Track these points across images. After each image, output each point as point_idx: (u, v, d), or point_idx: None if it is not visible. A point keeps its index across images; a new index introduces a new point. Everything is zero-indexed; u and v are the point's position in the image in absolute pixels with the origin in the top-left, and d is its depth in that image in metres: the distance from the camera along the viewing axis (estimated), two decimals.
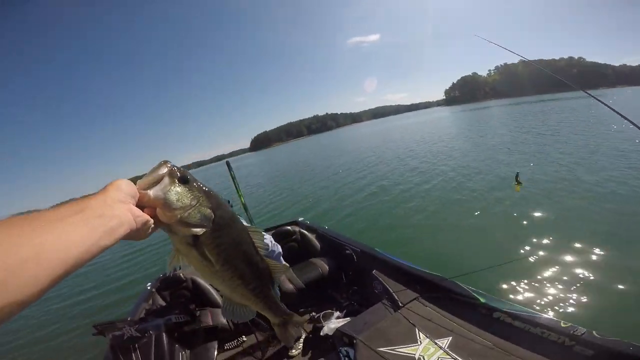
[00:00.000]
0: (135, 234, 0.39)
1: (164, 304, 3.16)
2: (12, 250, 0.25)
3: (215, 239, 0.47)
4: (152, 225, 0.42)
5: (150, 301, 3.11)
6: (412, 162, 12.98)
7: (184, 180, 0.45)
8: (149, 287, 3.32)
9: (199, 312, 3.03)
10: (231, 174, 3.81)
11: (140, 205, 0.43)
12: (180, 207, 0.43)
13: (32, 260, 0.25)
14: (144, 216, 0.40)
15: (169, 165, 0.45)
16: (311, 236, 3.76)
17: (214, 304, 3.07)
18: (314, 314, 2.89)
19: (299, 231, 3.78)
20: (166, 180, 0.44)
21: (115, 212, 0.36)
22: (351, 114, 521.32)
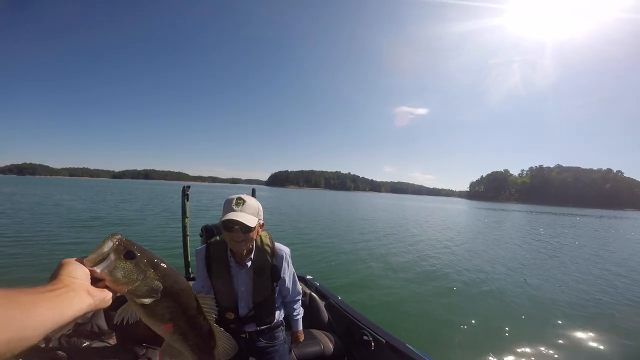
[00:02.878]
0: (96, 308, 0.44)
1: (105, 329, 2.38)
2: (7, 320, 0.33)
3: (162, 304, 0.51)
4: (110, 299, 0.46)
5: (89, 315, 2.32)
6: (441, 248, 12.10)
7: (130, 256, 0.48)
8: None
9: (145, 350, 2.20)
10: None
11: (94, 280, 0.47)
12: (126, 283, 0.47)
13: (24, 324, 0.34)
14: (100, 295, 0.45)
15: (115, 241, 0.48)
16: (321, 303, 3.09)
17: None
18: None
19: (310, 294, 3.11)
20: (112, 256, 0.46)
21: (77, 294, 0.41)
22: (371, 181, 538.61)
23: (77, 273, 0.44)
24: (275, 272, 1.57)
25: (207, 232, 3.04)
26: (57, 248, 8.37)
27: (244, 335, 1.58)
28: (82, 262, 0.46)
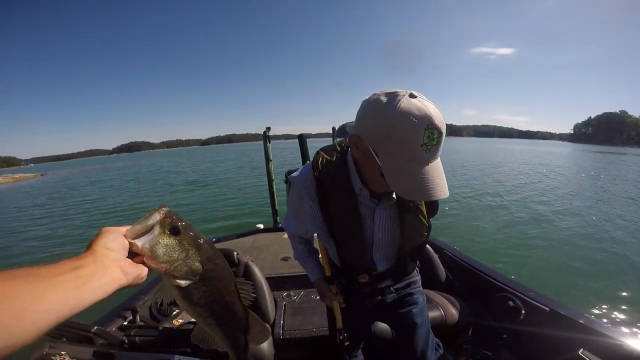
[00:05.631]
0: (128, 286, 0.41)
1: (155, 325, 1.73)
2: (17, 299, 0.30)
3: (201, 286, 0.49)
4: (145, 277, 0.44)
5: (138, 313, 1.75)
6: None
7: (175, 232, 0.45)
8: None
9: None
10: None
11: (131, 254, 0.44)
12: (166, 261, 0.44)
13: (32, 310, 0.31)
14: (135, 271, 0.42)
15: (162, 213, 0.45)
16: (434, 256, 2.31)
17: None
18: None
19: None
20: (156, 230, 0.44)
21: (107, 270, 0.38)
22: (450, 126, 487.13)
23: (114, 244, 0.41)
24: (434, 205, 1.04)
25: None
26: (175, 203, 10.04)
27: (379, 298, 1.14)
28: (121, 233, 0.44)
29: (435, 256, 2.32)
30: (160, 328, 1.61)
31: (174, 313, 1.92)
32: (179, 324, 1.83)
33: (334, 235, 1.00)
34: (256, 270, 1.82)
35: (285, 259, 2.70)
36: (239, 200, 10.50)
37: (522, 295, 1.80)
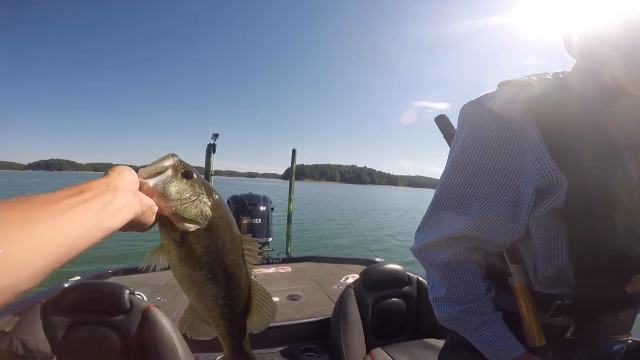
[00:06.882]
0: (140, 219, 0.38)
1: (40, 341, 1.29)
2: (9, 231, 0.23)
3: (205, 239, 0.45)
4: (155, 213, 0.41)
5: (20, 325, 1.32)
6: None
7: (188, 175, 0.44)
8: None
9: None
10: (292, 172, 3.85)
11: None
12: (177, 200, 0.43)
13: (30, 241, 0.24)
14: (147, 201, 0.39)
15: (175, 158, 0.45)
16: None
17: None
18: None
19: (417, 279, 1.82)
20: (169, 172, 0.43)
21: (119, 193, 0.34)
22: (388, 175, 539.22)
23: (128, 173, 0.37)
24: None
25: (235, 202, 3.07)
26: None
27: None
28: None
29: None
30: None
31: None
32: None
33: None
34: (164, 322, 1.26)
35: None
36: None
37: None
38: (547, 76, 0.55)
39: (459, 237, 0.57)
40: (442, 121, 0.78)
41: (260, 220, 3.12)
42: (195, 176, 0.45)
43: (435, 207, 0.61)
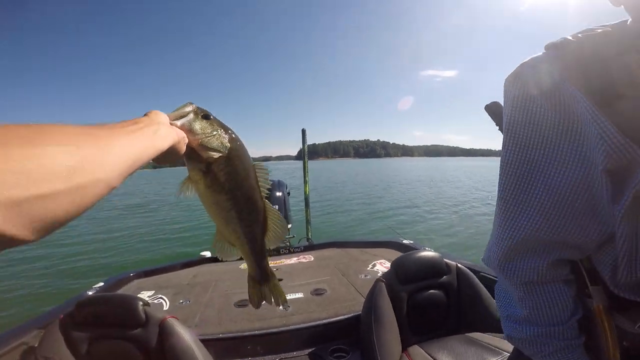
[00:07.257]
0: (177, 147, 0.45)
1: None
2: (102, 141, 0.31)
3: (226, 166, 0.54)
4: (187, 141, 0.48)
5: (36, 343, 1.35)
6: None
7: (207, 117, 0.53)
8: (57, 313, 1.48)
9: None
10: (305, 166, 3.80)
11: None
12: (201, 134, 0.51)
13: (117, 149, 0.32)
14: (181, 132, 0.47)
15: (194, 105, 0.53)
16: (475, 283, 1.61)
17: None
18: None
19: (456, 267, 1.65)
20: (191, 115, 0.51)
21: (162, 125, 0.42)
22: (403, 146, 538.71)
23: (163, 115, 0.45)
24: None
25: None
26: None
27: None
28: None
29: (473, 282, 1.62)
30: None
31: None
32: None
33: None
34: (182, 333, 1.22)
35: (243, 304, 1.83)
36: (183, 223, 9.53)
37: None
38: (607, 28, 0.43)
39: (534, 242, 0.47)
40: (494, 108, 0.68)
41: (277, 207, 3.02)
42: (212, 117, 0.53)
43: (499, 207, 0.52)
